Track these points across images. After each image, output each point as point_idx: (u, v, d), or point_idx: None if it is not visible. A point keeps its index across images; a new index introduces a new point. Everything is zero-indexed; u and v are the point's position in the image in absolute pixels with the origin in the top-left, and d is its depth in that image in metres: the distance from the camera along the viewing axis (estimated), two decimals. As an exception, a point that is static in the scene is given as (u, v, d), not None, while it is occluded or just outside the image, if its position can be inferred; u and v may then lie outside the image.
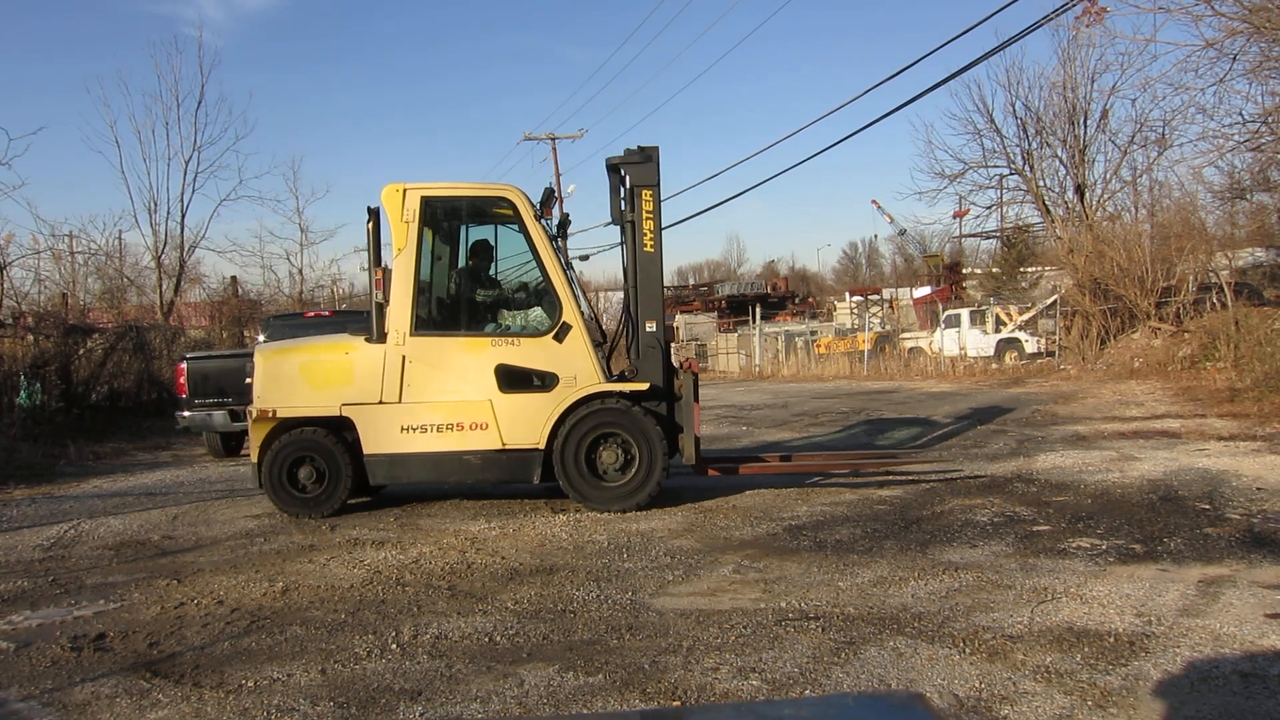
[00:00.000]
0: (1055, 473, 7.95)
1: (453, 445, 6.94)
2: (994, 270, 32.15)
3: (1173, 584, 4.60)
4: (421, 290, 7.10)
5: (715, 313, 47.99)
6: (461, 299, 7.58)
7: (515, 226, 7.25)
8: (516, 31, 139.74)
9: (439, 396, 6.96)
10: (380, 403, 6.95)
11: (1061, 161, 26.85)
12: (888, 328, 33.22)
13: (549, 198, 7.55)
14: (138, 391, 16.59)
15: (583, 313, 7.18)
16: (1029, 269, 29.24)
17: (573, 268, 7.34)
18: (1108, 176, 26.34)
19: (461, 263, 7.74)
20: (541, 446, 6.96)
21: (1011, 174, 28.53)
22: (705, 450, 7.94)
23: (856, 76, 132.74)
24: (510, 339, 7.11)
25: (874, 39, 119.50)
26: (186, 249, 24.84)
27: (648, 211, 7.25)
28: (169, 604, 4.95)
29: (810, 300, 53.92)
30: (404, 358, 6.94)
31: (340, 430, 7.09)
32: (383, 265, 7.15)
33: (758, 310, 35.39)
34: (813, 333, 34.27)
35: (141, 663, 4.05)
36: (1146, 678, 3.45)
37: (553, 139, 35.83)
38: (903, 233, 49.88)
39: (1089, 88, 25.66)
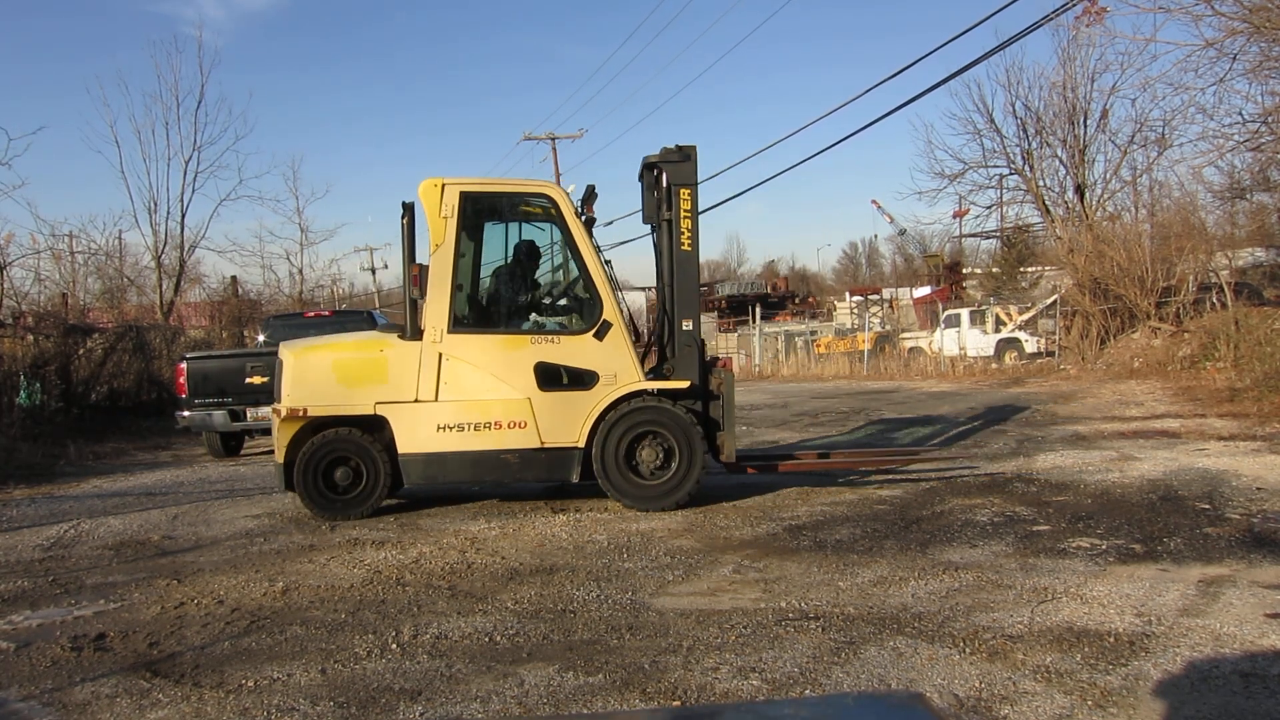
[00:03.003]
0: (1055, 472, 7.95)
1: (491, 444, 6.89)
2: (994, 270, 32.12)
3: (1173, 584, 4.60)
4: (459, 287, 7.04)
5: (715, 313, 47.96)
6: (501, 296, 7.52)
7: (555, 223, 7.22)
8: (516, 31, 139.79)
9: (477, 395, 6.91)
10: (416, 401, 6.87)
11: (1061, 161, 26.86)
12: (888, 328, 33.20)
13: (591, 195, 7.55)
14: (138, 391, 16.58)
15: (622, 311, 7.17)
16: (1029, 269, 29.21)
17: (611, 265, 7.34)
18: (1108, 176, 26.35)
19: (500, 260, 7.70)
20: (581, 445, 6.93)
21: (1011, 174, 28.53)
22: (740, 449, 7.94)
23: (856, 76, 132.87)
24: (550, 337, 7.08)
25: (874, 39, 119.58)
26: (186, 249, 24.84)
27: (686, 210, 7.25)
28: (169, 604, 4.95)
29: (810, 300, 53.92)
30: (441, 355, 6.88)
31: (372, 429, 7.02)
32: (417, 262, 7.11)
33: (758, 310, 35.40)
34: (812, 332, 34.27)
35: (141, 663, 4.05)
36: (1146, 677, 3.45)
37: (553, 139, 35.83)
38: (903, 233, 49.93)
39: (1089, 87, 25.66)
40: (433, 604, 4.76)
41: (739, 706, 1.37)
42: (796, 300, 53.03)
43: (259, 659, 4.03)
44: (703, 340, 7.45)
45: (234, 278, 26.23)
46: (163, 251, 24.50)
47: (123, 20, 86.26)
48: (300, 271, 29.26)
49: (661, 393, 7.05)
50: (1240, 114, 14.97)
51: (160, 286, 24.42)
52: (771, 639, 4.00)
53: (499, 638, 4.18)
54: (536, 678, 3.67)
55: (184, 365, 11.71)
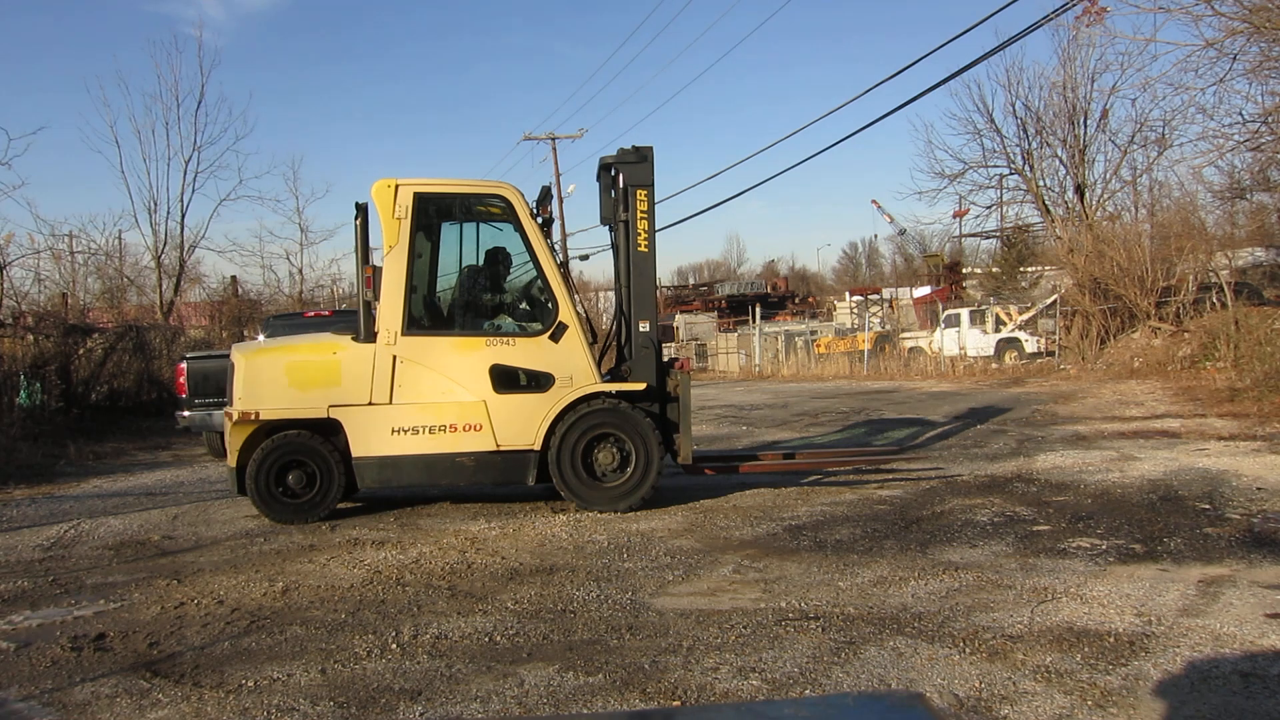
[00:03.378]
0: (1055, 472, 7.95)
1: (446, 447, 6.84)
2: (994, 270, 32.14)
3: (1173, 584, 4.60)
4: (414, 289, 6.98)
5: (715, 312, 48.01)
6: (456, 298, 7.49)
7: (510, 224, 7.18)
8: (517, 31, 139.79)
9: (431, 397, 6.86)
10: (370, 404, 6.82)
11: (1061, 161, 26.90)
12: (887, 327, 33.19)
13: (546, 196, 7.55)
14: (138, 391, 16.57)
15: (578, 313, 7.16)
16: (1029, 269, 29.24)
17: (568, 266, 7.34)
18: (1108, 176, 26.40)
19: (456, 261, 7.68)
20: (537, 447, 6.91)
21: (1011, 174, 28.59)
22: (702, 450, 7.96)
23: (856, 76, 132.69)
24: (505, 339, 7.03)
25: (874, 39, 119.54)
26: (186, 249, 24.81)
27: (642, 211, 7.24)
28: (169, 604, 4.95)
29: (810, 300, 53.94)
30: (395, 358, 6.82)
31: (326, 433, 6.95)
32: (371, 263, 7.08)
33: (758, 310, 35.38)
34: (813, 332, 34.24)
35: (141, 663, 4.05)
36: (1146, 677, 3.45)
37: (553, 139, 35.87)
38: (903, 233, 49.92)
39: (1089, 88, 25.71)
40: (433, 604, 4.76)
41: (739, 706, 1.37)
42: (796, 300, 53.06)
43: (259, 659, 4.03)
44: (661, 342, 7.45)
45: (234, 278, 26.23)
46: (163, 251, 24.49)
47: (123, 20, 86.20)
48: (300, 271, 29.22)
49: (619, 394, 7.03)
50: (1240, 114, 14.97)
51: (160, 286, 24.41)
52: (771, 639, 4.00)
53: (499, 638, 4.18)
54: (536, 678, 3.67)
55: (184, 365, 11.70)
